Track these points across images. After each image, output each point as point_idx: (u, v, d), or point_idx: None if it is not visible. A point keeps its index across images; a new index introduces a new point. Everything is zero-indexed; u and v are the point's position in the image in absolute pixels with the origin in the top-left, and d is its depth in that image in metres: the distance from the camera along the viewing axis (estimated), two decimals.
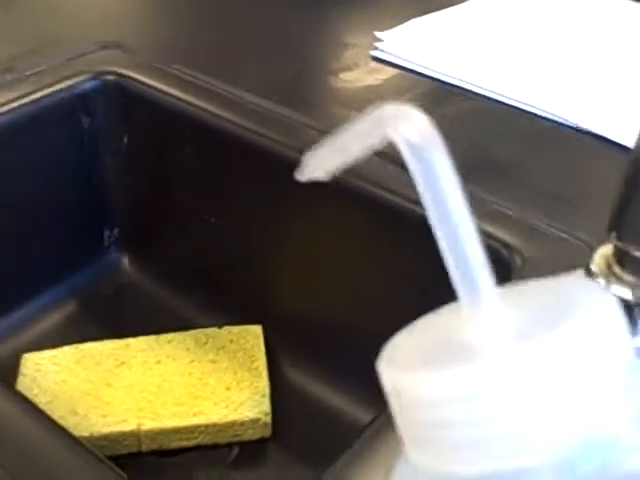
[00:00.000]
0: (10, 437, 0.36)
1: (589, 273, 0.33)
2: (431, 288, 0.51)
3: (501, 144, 0.54)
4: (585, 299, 0.17)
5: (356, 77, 0.61)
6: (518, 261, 0.44)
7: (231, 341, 0.57)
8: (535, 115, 0.57)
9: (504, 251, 0.45)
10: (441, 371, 0.16)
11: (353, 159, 0.20)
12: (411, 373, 0.17)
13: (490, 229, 0.46)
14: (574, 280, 0.18)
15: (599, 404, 0.16)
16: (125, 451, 0.52)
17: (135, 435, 0.51)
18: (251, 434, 0.52)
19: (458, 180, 0.17)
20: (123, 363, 0.56)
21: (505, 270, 0.44)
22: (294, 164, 0.59)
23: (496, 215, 0.47)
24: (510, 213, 0.47)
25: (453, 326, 0.18)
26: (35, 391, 0.53)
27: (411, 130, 0.17)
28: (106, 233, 0.65)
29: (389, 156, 0.51)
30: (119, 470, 0.35)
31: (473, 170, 0.50)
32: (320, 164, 0.22)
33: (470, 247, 0.17)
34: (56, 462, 0.35)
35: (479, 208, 0.50)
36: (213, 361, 0.56)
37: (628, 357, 0.16)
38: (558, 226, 0.47)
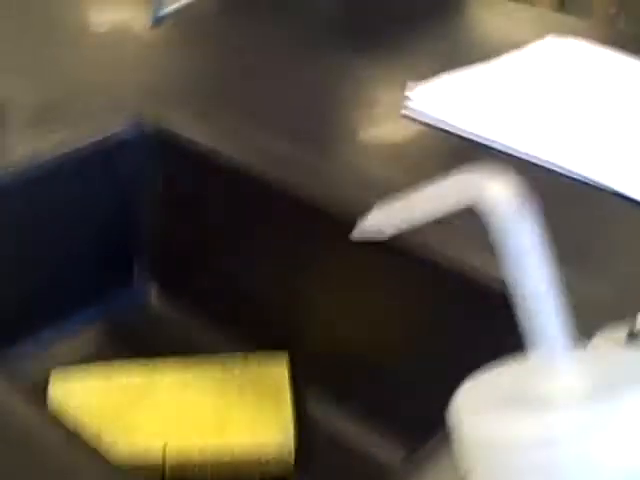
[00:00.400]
0: (49, 461, 0.38)
1: (632, 336, 0.35)
2: (460, 333, 0.53)
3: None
4: None
5: (385, 133, 0.64)
6: None
7: (257, 372, 0.58)
8: (562, 175, 0.59)
9: None
10: (526, 417, 0.17)
11: (424, 220, 0.21)
12: (487, 419, 0.18)
13: None
14: None
15: None
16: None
17: (159, 465, 0.53)
18: (274, 469, 0.53)
19: (543, 245, 0.18)
20: (150, 389, 0.57)
21: None
22: (323, 213, 0.60)
23: None
24: None
25: (527, 379, 0.19)
26: (62, 413, 0.54)
27: (499, 195, 0.18)
28: (136, 266, 0.67)
29: None
30: None
31: None
32: (385, 220, 0.23)
33: (551, 313, 0.18)
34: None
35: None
36: (239, 392, 0.57)
37: None
38: (583, 284, 0.48)
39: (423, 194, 0.21)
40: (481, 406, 0.18)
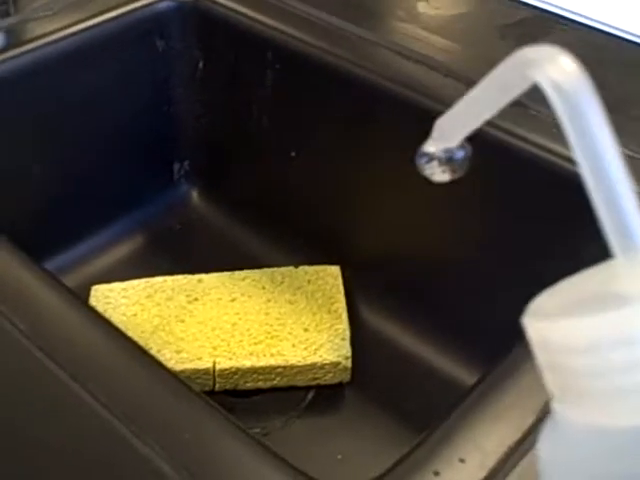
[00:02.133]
0: (103, 369, 0.34)
1: None
2: (518, 231, 0.48)
3: (603, 74, 0.50)
4: None
5: (449, 3, 0.57)
6: None
7: (309, 281, 0.54)
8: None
9: None
10: (597, 315, 0.15)
11: (488, 116, 0.19)
12: (564, 319, 0.16)
13: None
14: None
15: None
16: (197, 389, 0.50)
17: (210, 373, 0.49)
18: (330, 378, 0.50)
19: (609, 125, 0.16)
20: (196, 299, 0.53)
21: None
22: (380, 92, 0.55)
23: None
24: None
25: (605, 280, 0.17)
26: None
27: (558, 72, 0.16)
28: (176, 166, 0.62)
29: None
30: (215, 404, 0.33)
31: None
32: (449, 132, 0.21)
33: (624, 197, 0.16)
34: (152, 395, 0.33)
35: None
36: (290, 301, 0.53)
37: None
38: None
39: (480, 89, 0.19)
40: (556, 310, 0.17)
